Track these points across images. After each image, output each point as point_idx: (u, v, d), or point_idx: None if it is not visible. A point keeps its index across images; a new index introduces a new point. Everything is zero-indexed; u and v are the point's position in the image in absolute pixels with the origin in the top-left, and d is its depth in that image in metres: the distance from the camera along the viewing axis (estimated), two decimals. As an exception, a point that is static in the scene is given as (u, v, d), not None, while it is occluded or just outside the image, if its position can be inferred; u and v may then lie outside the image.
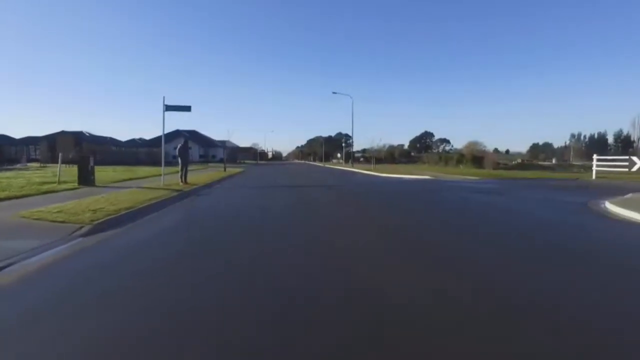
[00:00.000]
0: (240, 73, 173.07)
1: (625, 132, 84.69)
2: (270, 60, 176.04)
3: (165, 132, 12.17)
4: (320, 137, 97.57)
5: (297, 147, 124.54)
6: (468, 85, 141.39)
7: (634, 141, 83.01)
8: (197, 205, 8.60)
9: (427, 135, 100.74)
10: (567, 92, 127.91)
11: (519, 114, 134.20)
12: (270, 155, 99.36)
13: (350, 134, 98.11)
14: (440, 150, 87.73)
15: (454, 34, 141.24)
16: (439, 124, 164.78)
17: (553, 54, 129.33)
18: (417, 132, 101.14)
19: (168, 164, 17.39)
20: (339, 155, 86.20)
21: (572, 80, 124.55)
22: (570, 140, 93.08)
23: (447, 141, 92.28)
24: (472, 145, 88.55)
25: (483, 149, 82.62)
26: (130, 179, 15.85)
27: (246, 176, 22.04)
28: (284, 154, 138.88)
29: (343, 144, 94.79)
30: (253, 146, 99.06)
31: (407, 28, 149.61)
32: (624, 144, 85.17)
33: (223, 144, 66.18)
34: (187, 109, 11.84)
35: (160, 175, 14.00)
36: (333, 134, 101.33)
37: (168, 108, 11.79)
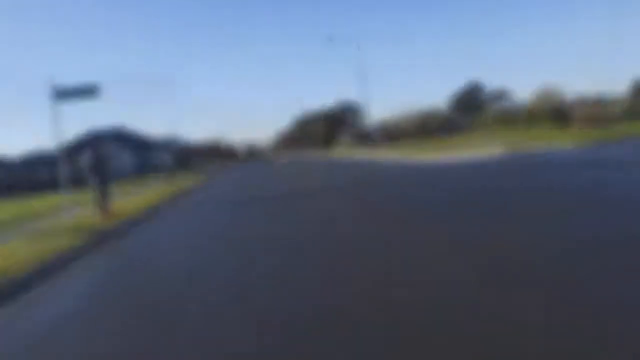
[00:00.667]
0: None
1: None
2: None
3: (76, 134, 10.92)
4: (317, 113, 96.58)
5: (280, 134, 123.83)
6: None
7: None
8: (124, 271, 7.10)
9: (474, 88, 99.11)
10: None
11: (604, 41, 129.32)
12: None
13: (359, 102, 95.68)
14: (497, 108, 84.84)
15: None
16: (489, 71, 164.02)
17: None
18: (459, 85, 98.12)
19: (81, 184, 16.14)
20: (344, 139, 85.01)
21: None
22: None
23: (505, 94, 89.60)
24: (547, 93, 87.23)
25: (561, 97, 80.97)
26: (17, 219, 14.69)
27: (210, 191, 20.66)
28: (263, 145, 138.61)
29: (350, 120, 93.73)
30: (216, 141, 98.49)
31: None
32: None
33: (168, 144, 65.16)
34: (90, 92, 10.61)
35: (74, 204, 12.77)
36: (334, 107, 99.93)
37: (60, 95, 10.58)
